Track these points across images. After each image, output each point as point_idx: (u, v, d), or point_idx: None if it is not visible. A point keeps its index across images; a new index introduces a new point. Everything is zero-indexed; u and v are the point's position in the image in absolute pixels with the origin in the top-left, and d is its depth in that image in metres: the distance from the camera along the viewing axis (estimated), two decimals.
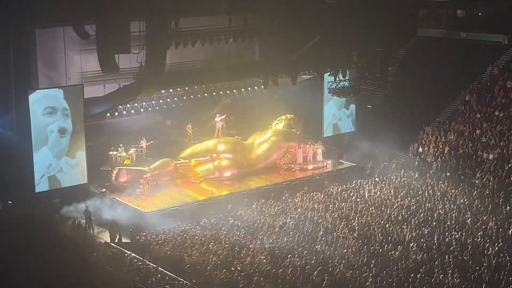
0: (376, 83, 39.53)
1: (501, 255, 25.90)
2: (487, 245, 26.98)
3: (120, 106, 35.08)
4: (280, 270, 24.67)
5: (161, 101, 36.84)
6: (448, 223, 29.57)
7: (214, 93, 38.80)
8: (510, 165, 35.22)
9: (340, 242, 27.57)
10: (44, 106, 31.58)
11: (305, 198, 33.70)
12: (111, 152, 36.13)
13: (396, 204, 32.23)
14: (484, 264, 25.21)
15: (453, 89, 42.93)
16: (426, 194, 33.62)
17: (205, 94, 38.37)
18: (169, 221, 31.02)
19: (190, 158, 37.70)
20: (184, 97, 37.70)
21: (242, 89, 40.04)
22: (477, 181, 35.27)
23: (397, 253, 26.32)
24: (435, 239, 27.68)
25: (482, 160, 36.61)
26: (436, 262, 25.35)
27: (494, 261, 25.43)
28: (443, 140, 39.31)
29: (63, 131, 32.16)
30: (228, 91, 39.47)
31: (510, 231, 28.29)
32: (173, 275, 24.68)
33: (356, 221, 29.96)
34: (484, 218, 30.06)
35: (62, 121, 32.19)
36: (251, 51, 38.82)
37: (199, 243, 27.59)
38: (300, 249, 26.72)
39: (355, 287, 23.78)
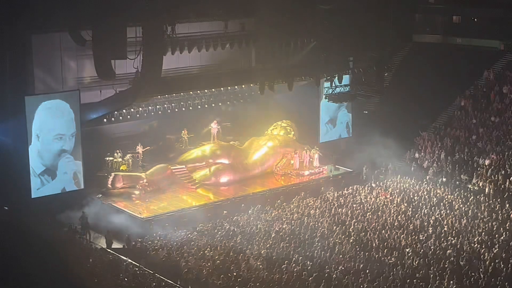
0: (372, 88, 39.63)
1: (497, 260, 25.92)
2: (483, 250, 27.01)
3: (116, 112, 35.09)
4: (277, 276, 24.65)
5: (157, 106, 36.86)
6: (445, 228, 29.59)
7: (210, 99, 38.84)
8: (506, 170, 35.26)
9: (337, 247, 27.57)
10: (55, 133, 31.97)
11: (301, 204, 33.71)
12: (107, 158, 36.15)
13: (392, 210, 32.24)
14: (481, 269, 25.22)
15: (449, 95, 43.00)
16: (422, 200, 33.65)
17: (202, 100, 38.40)
18: (165, 227, 30.99)
19: (187, 163, 37.72)
20: (181, 103, 37.73)
21: (239, 95, 40.08)
22: (473, 187, 35.31)
23: (393, 258, 26.33)
24: (431, 244, 27.70)
25: (478, 165, 36.65)
26: (433, 268, 25.35)
27: (490, 266, 25.44)
28: (439, 145, 39.36)
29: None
30: (224, 97, 39.51)
31: (506, 237, 28.32)
32: (169, 281, 24.66)
33: (352, 227, 29.98)
34: (480, 223, 30.09)
35: (68, 145, 32.52)
36: (247, 56, 38.83)
37: (195, 249, 27.58)
38: (296, 255, 26.72)
39: None
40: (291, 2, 34.67)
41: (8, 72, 31.04)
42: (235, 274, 24.88)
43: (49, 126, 31.97)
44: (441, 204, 32.97)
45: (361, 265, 25.69)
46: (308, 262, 25.87)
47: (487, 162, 36.42)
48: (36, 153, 31.78)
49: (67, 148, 32.49)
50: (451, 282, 24.12)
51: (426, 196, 34.14)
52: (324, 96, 39.85)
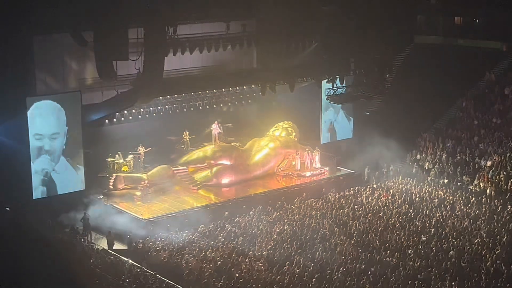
0: (374, 90, 39.60)
1: (499, 262, 25.90)
2: (485, 252, 26.99)
3: (118, 113, 35.09)
4: (278, 278, 24.66)
5: (159, 107, 36.85)
6: (446, 229, 29.57)
7: (212, 100, 38.84)
8: (507, 171, 35.23)
9: (338, 249, 27.56)
10: (33, 132, 31.54)
11: (302, 205, 33.68)
12: (109, 159, 36.15)
13: (394, 211, 32.23)
14: (482, 271, 25.20)
15: (451, 96, 42.96)
16: (423, 201, 33.63)
17: (203, 101, 38.41)
18: (166, 228, 30.99)
19: (188, 164, 37.72)
20: (182, 104, 37.72)
21: (240, 96, 40.07)
22: (474, 188, 35.27)
23: (394, 260, 26.31)
24: (433, 246, 27.68)
25: (479, 166, 36.62)
26: (434, 269, 25.34)
27: (492, 268, 25.42)
28: (440, 146, 39.33)
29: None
30: (226, 98, 39.51)
31: (507, 238, 28.29)
32: (170, 282, 24.67)
33: (354, 228, 29.96)
34: (482, 224, 30.06)
35: (48, 145, 32.10)
36: (248, 57, 38.85)
37: (196, 250, 27.58)
38: (297, 256, 26.71)
39: None
40: (293, 3, 34.65)
41: (9, 73, 31.03)
42: (236, 275, 24.89)
43: (32, 126, 31.61)
44: (443, 205, 32.97)
45: (363, 266, 25.68)
46: (310, 264, 25.87)
47: (488, 163, 36.38)
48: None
49: (46, 148, 32.10)
50: (453, 283, 24.12)
51: (428, 197, 34.13)
52: (325, 97, 39.86)
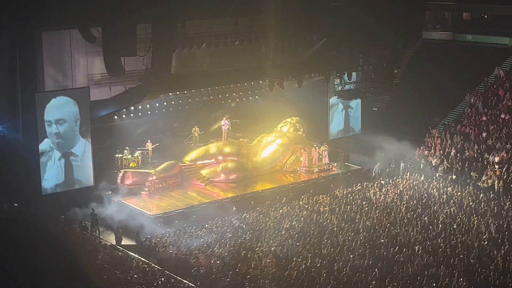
0: (382, 85, 39.55)
1: (508, 258, 25.84)
2: (493, 248, 26.93)
3: (126, 109, 35.14)
4: (286, 273, 24.66)
5: (165, 103, 36.91)
6: (454, 226, 29.52)
7: (220, 96, 38.86)
8: None
9: (346, 245, 27.55)
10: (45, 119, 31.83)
11: (310, 201, 33.70)
12: (117, 155, 36.21)
13: (402, 207, 32.19)
14: (491, 267, 25.15)
15: (459, 92, 42.87)
16: (431, 197, 33.58)
17: (211, 97, 38.44)
18: (174, 224, 31.04)
19: (196, 160, 37.75)
20: (190, 100, 37.76)
21: (248, 92, 40.07)
22: (483, 184, 35.19)
23: (402, 256, 26.28)
24: (441, 242, 27.63)
25: (488, 163, 36.53)
26: (442, 266, 25.30)
27: (500, 264, 25.37)
28: (449, 142, 39.25)
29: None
30: (234, 94, 39.51)
31: None
32: (178, 277, 24.72)
33: (361, 224, 29.94)
34: (490, 221, 30.00)
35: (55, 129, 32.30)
36: (257, 53, 38.77)
37: (204, 246, 27.62)
38: (305, 252, 26.72)
39: None
40: None
41: (18, 69, 31.16)
42: (244, 271, 24.90)
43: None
44: (451, 201, 32.90)
45: (370, 263, 25.66)
46: (317, 260, 25.86)
47: (497, 159, 36.28)
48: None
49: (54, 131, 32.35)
50: (461, 279, 24.07)
51: (436, 194, 34.08)
52: (334, 93, 39.85)
